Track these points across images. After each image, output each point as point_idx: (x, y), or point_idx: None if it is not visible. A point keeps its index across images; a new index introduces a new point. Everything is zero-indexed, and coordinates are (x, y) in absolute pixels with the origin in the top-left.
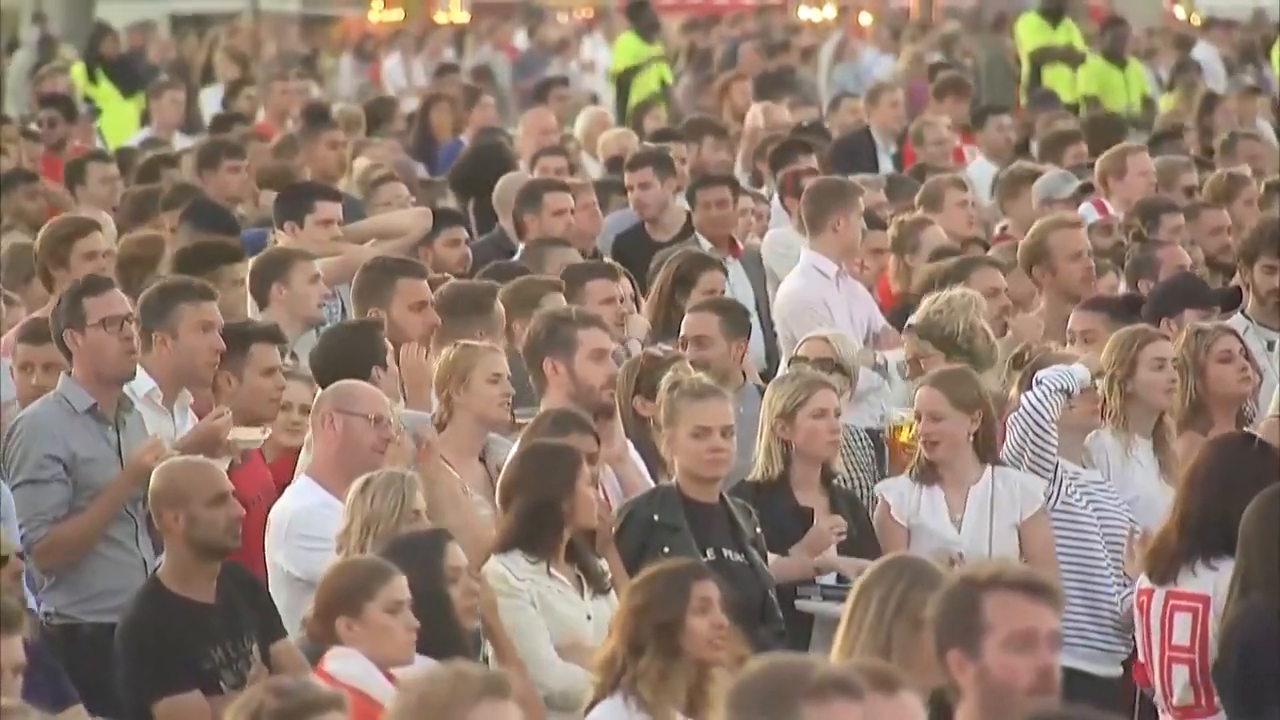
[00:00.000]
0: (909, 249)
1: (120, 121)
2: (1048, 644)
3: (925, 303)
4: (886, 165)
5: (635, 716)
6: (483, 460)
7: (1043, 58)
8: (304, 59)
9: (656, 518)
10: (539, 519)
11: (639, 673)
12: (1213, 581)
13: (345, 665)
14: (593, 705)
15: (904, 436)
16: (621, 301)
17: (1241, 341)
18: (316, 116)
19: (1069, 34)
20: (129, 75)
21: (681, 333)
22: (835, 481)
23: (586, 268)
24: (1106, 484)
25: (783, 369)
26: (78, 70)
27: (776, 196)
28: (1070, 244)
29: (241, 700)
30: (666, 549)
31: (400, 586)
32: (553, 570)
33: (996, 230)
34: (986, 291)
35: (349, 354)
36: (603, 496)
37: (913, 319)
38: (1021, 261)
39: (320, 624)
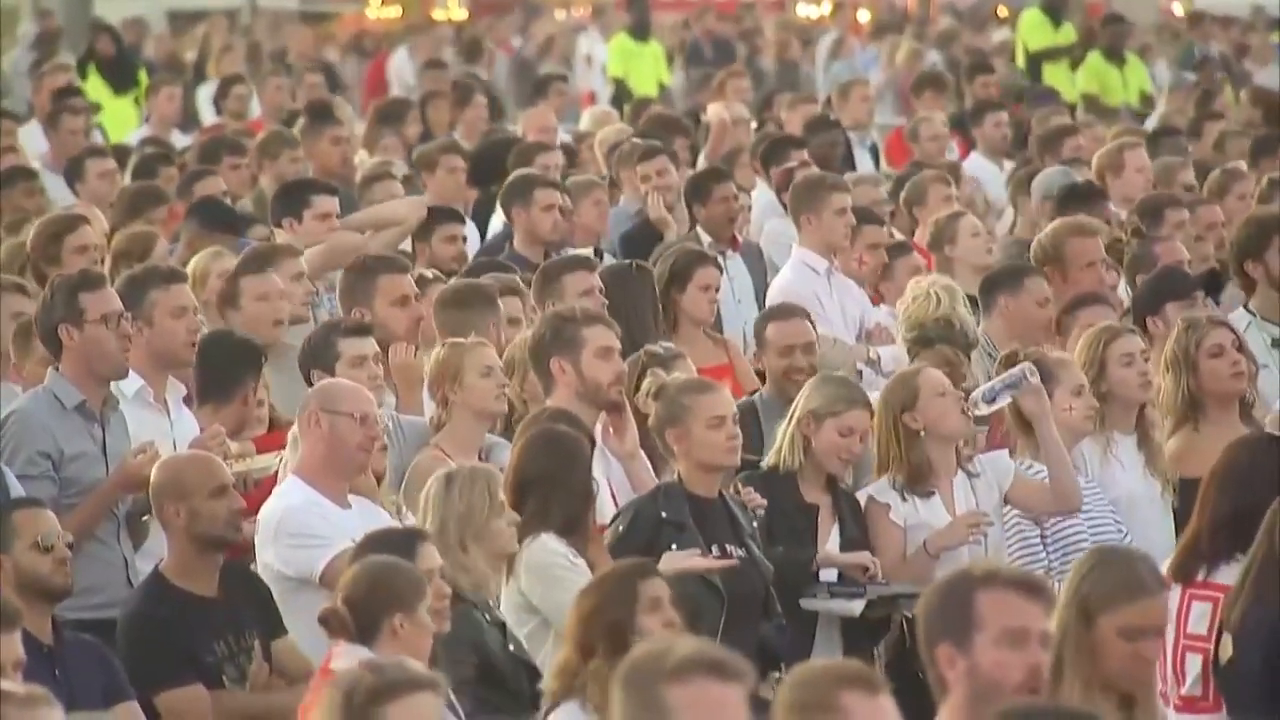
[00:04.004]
0: (947, 241)
1: (120, 118)
2: (1039, 643)
3: (918, 307)
4: (865, 161)
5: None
6: (483, 459)
7: (1044, 55)
8: (282, 56)
9: (664, 515)
10: (572, 504)
11: (590, 675)
12: (1235, 574)
13: (351, 665)
14: (549, 712)
15: None
16: (602, 293)
17: (1235, 334)
18: (319, 113)
19: (1068, 35)
20: (120, 73)
21: (781, 341)
22: (839, 482)
23: (563, 261)
24: (1091, 487)
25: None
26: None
27: (772, 192)
28: (1086, 253)
29: (337, 677)
30: (674, 546)
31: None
32: (582, 556)
33: (1002, 226)
34: (1040, 300)
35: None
36: (609, 493)
37: (913, 325)
38: (1034, 259)
39: (357, 618)
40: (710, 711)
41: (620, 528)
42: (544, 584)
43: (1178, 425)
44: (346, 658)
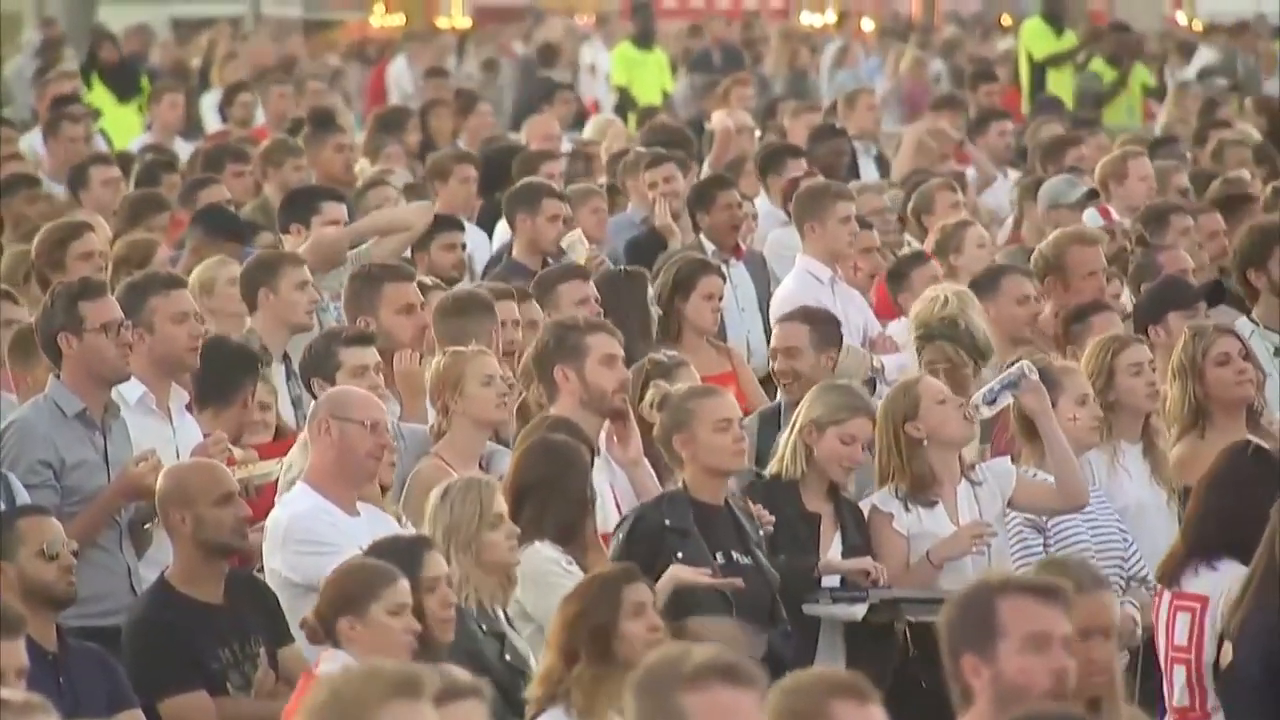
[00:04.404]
0: (952, 250)
1: (123, 126)
2: (1062, 646)
3: (926, 306)
4: (869, 169)
5: None
6: (484, 468)
7: (1048, 62)
8: (283, 65)
9: (667, 522)
10: (568, 512)
11: (573, 681)
12: (1212, 582)
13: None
14: (534, 718)
15: None
16: (597, 302)
17: (1242, 342)
18: (322, 121)
19: (1070, 42)
20: (124, 81)
21: (771, 344)
22: (841, 491)
23: (559, 271)
24: (1097, 496)
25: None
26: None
27: (776, 201)
28: (1087, 262)
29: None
30: (679, 554)
31: (404, 590)
32: (579, 565)
33: (1003, 235)
34: (1019, 299)
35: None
36: (614, 502)
37: (920, 325)
38: (1036, 268)
39: (322, 624)
40: (726, 719)
41: (622, 535)
42: (538, 591)
43: (1183, 433)
44: (331, 662)
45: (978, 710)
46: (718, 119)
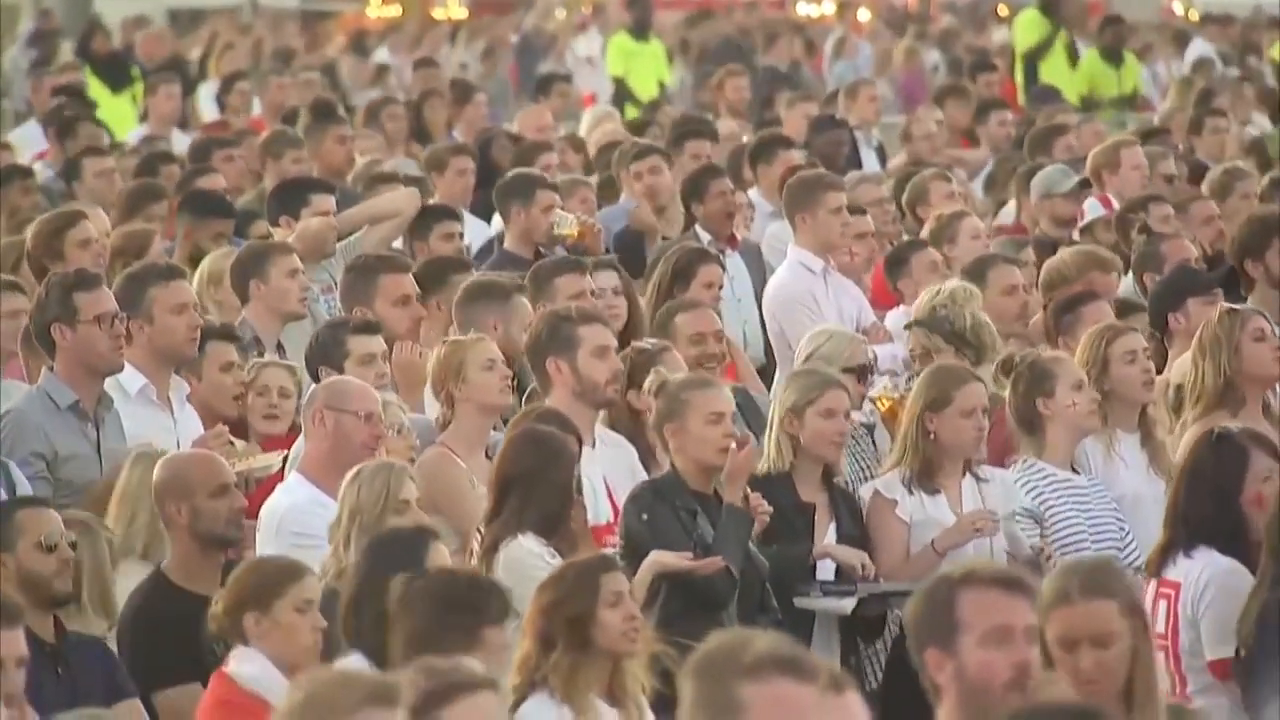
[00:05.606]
0: (946, 240)
1: (119, 117)
2: (1024, 638)
3: (925, 296)
4: (870, 160)
5: (561, 710)
6: (489, 455)
7: (1039, 53)
8: (283, 54)
9: (676, 503)
10: (551, 503)
11: (551, 668)
12: (1185, 570)
13: (245, 668)
14: (517, 704)
15: (885, 406)
16: (593, 294)
17: (1271, 324)
18: (323, 112)
19: (1065, 36)
20: (116, 72)
21: (697, 329)
22: (836, 480)
23: (554, 264)
24: (1095, 486)
25: (797, 363)
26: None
27: (767, 193)
28: (1107, 288)
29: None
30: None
31: (311, 586)
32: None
33: (994, 224)
34: (1005, 289)
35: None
36: (606, 493)
37: (915, 313)
38: (1050, 280)
39: (228, 619)
40: (786, 712)
41: (645, 516)
42: (521, 584)
43: (1207, 410)
44: (240, 660)
45: (947, 706)
46: None
